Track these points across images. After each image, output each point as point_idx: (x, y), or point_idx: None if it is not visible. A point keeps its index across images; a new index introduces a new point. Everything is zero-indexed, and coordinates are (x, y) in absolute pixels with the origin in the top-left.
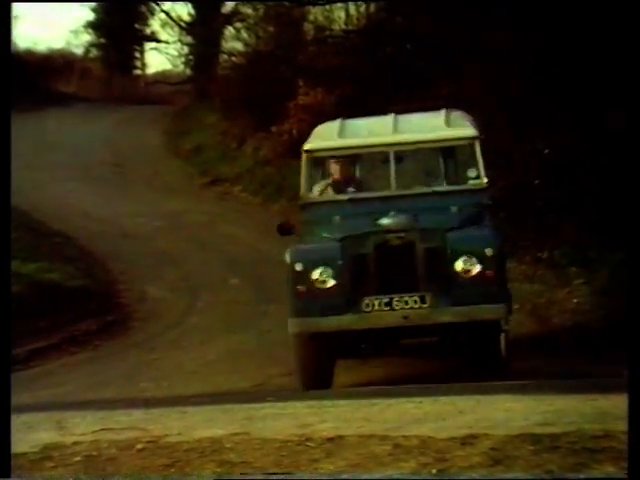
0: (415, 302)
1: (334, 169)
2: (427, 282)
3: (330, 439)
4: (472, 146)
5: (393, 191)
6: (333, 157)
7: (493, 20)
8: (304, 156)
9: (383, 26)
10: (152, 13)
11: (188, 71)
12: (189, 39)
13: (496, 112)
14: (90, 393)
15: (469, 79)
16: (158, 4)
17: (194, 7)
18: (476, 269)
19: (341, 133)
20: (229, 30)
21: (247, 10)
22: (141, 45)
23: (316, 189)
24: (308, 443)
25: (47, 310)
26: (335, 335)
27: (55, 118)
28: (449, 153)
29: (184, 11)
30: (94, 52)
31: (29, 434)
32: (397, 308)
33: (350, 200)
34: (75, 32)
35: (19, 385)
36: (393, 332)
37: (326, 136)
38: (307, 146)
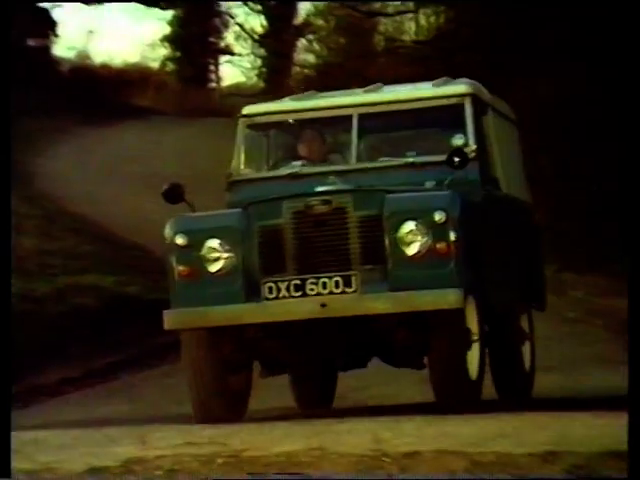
0: (336, 285)
1: (301, 148)
2: (360, 262)
3: (406, 454)
4: (461, 105)
5: (352, 164)
6: (282, 125)
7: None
8: (239, 123)
9: (453, 36)
10: (226, 26)
11: (261, 83)
12: (262, 51)
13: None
14: (171, 407)
15: (540, 86)
16: (232, 17)
17: (267, 19)
18: (422, 240)
19: (299, 97)
20: (301, 42)
21: (319, 22)
22: (215, 58)
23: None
24: (384, 458)
25: (126, 323)
26: (236, 335)
27: (131, 131)
28: (432, 119)
29: (257, 23)
30: (169, 65)
31: (111, 447)
32: (311, 293)
33: (292, 177)
34: (151, 46)
35: (99, 399)
36: (306, 328)
37: (278, 101)
38: (244, 109)
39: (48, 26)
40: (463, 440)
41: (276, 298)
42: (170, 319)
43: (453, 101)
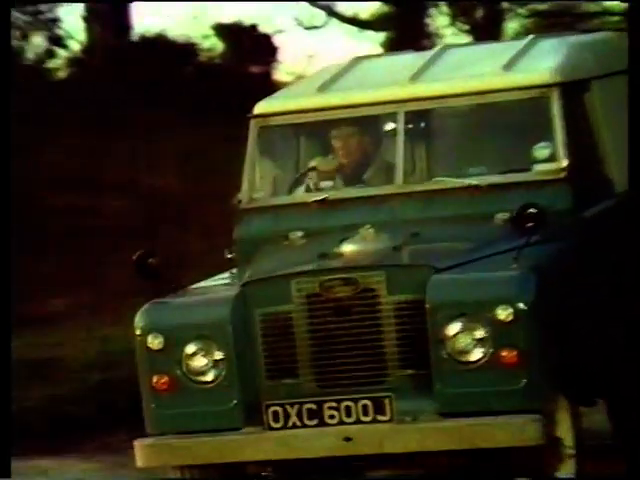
0: (364, 411)
1: (336, 147)
2: (398, 364)
3: None
4: (545, 102)
5: (398, 185)
6: (305, 128)
7: None
8: (250, 125)
9: None
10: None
11: None
12: None
13: None
14: None
15: None
16: (441, 38)
17: (474, 38)
18: (481, 346)
19: (329, 83)
20: None
21: None
22: None
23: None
24: None
25: None
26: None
27: None
28: (505, 118)
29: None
30: None
31: None
32: (331, 422)
33: (321, 203)
34: None
35: None
36: (326, 466)
37: (302, 89)
38: (257, 107)
39: (270, 52)
40: None
41: (284, 427)
42: (144, 454)
43: (533, 94)
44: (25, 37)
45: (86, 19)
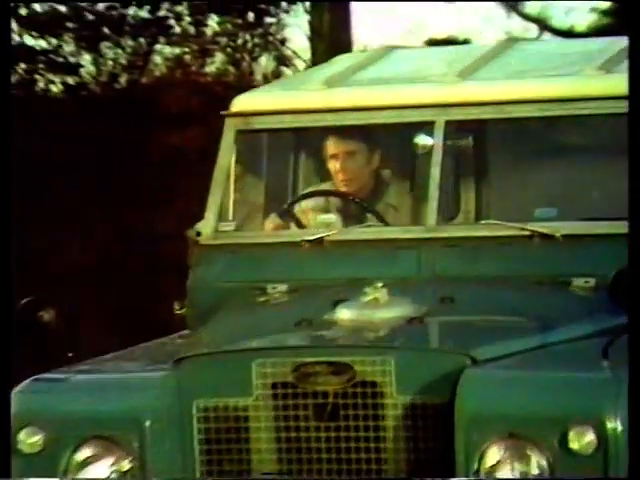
0: None
1: (332, 164)
2: None
3: None
4: None
5: (429, 228)
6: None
7: None
8: (225, 127)
9: None
10: None
11: None
12: None
13: None
14: None
15: None
16: None
17: None
18: None
19: (342, 76)
20: None
21: None
22: None
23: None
24: None
25: None
26: None
27: None
28: (589, 137)
29: None
30: None
31: None
32: None
33: (316, 244)
34: None
35: None
36: None
37: (303, 82)
38: (235, 102)
39: None
40: None
41: None
42: None
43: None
44: (254, 59)
45: (311, 39)
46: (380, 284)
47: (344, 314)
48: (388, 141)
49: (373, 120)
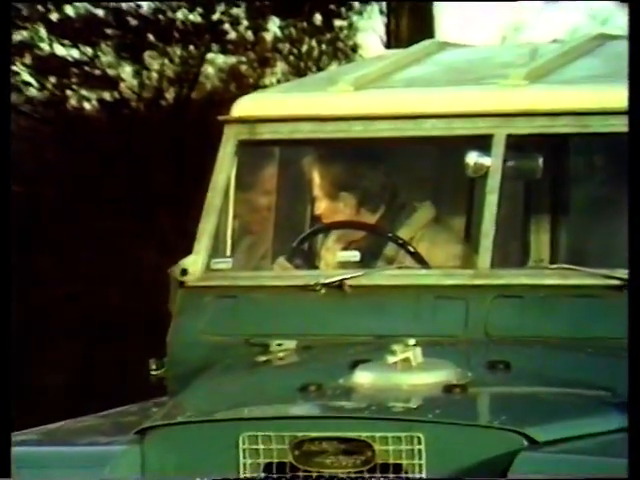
0: None
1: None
2: None
3: None
4: None
5: (481, 272)
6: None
7: None
8: (224, 136)
9: None
10: None
11: None
12: None
13: None
14: None
15: None
16: None
17: None
18: None
19: (373, 76)
20: None
21: None
22: None
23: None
24: None
25: None
26: None
27: None
28: None
29: None
30: None
31: None
32: None
33: (334, 289)
34: None
35: None
36: None
37: (324, 82)
38: (236, 106)
39: None
40: None
41: None
42: None
43: None
44: (321, 69)
45: (387, 45)
46: (412, 342)
47: (364, 378)
48: (431, 160)
49: (412, 132)
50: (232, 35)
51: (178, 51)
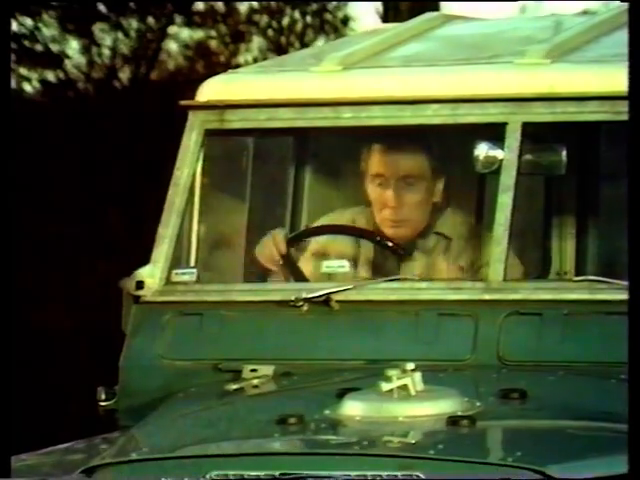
0: None
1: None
2: None
3: None
4: None
5: (493, 285)
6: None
7: None
8: (187, 123)
9: None
10: None
11: None
12: None
13: None
14: None
15: None
16: None
17: None
18: None
19: (365, 54)
20: None
21: None
22: None
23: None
24: None
25: None
26: None
27: None
28: None
29: None
30: None
31: None
32: None
33: (321, 304)
34: None
35: None
36: None
37: (307, 60)
38: (203, 88)
39: None
40: None
41: None
42: None
43: None
44: (306, 45)
45: (384, 17)
46: (411, 366)
47: (354, 409)
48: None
49: (410, 119)
50: (199, 5)
51: (134, 23)
